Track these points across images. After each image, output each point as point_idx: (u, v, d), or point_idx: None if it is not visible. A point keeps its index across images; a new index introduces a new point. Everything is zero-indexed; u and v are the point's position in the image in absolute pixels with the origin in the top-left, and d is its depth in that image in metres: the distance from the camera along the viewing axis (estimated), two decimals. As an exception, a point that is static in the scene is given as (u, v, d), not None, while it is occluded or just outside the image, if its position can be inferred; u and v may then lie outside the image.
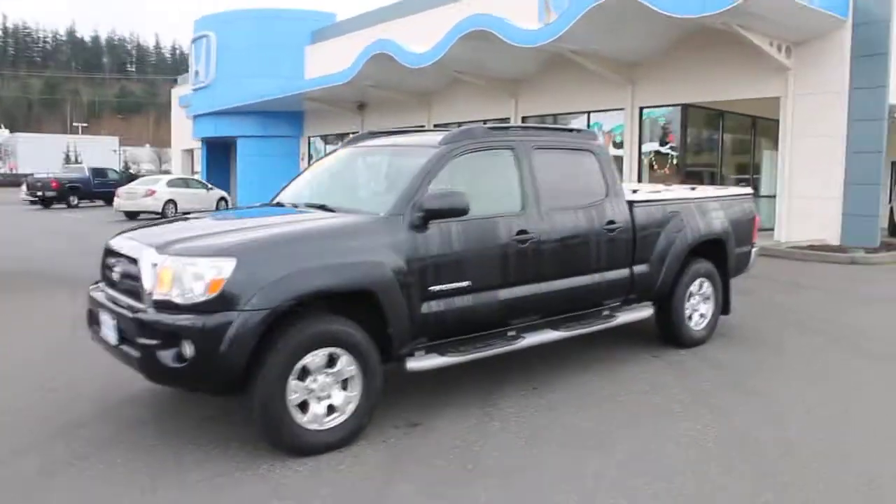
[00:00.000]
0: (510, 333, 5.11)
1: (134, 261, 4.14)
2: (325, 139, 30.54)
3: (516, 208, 5.11)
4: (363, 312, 4.24)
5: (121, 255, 4.34)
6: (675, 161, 17.83)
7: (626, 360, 6.12)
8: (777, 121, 17.09)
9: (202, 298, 3.80)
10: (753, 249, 7.28)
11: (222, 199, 27.04)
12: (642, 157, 18.35)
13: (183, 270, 3.84)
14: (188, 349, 3.77)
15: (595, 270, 5.57)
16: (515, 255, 4.99)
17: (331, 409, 4.15)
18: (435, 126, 23.76)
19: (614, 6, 13.99)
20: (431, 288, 4.52)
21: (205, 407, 4.85)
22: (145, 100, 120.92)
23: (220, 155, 35.30)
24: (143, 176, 36.62)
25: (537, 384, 5.45)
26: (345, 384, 4.18)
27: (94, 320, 4.56)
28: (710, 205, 6.67)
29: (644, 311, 6.13)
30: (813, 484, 3.83)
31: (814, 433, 4.57)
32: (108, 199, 33.12)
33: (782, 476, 3.92)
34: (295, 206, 5.24)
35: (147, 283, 3.96)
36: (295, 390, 3.98)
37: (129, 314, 4.01)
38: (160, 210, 23.90)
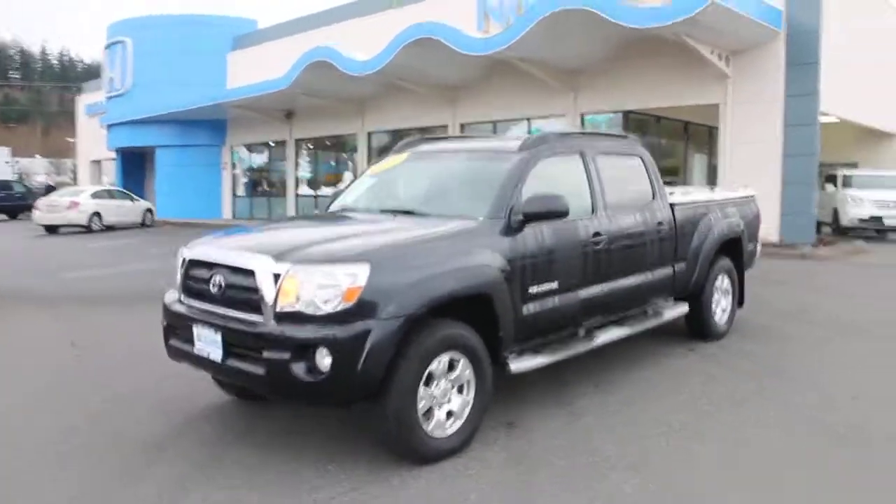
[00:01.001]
0: (581, 333, 5.21)
1: (244, 271, 3.96)
2: (251, 148, 29.84)
3: (588, 211, 5.24)
4: (475, 317, 4.24)
5: (219, 266, 4.11)
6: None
7: (668, 354, 6.33)
8: (706, 126, 17.98)
9: (339, 308, 3.67)
10: (758, 246, 7.68)
11: (148, 210, 25.95)
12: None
13: (314, 279, 3.72)
14: (325, 361, 3.65)
15: (648, 269, 5.77)
16: (592, 255, 5.10)
17: (448, 414, 4.12)
18: (369, 133, 23.72)
19: (571, 16, 14.36)
20: (530, 290, 4.57)
21: (278, 420, 4.72)
22: (32, 108, 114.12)
23: (134, 165, 33.90)
24: (60, 187, 34.58)
25: (597, 381, 5.56)
26: (460, 389, 4.16)
27: (179, 336, 4.36)
28: (730, 206, 7.02)
29: (682, 308, 6.37)
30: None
31: (870, 415, 4.89)
32: (11, 213, 31.29)
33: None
34: (378, 212, 5.13)
35: (268, 293, 3.79)
36: (423, 397, 3.92)
37: (247, 328, 3.84)
38: (86, 223, 22.67)
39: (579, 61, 17.66)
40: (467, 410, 4.17)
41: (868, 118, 20.01)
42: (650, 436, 4.46)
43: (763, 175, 15.68)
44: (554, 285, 4.76)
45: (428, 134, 20.74)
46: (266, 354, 3.73)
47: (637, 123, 18.45)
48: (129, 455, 4.16)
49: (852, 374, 5.86)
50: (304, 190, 26.35)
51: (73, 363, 6.31)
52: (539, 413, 4.85)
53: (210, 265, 4.18)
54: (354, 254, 3.85)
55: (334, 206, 5.54)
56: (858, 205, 17.62)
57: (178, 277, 4.45)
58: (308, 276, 3.74)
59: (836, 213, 18.31)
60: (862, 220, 17.62)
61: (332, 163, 25.75)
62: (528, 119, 19.67)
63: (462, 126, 21.01)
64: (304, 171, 26.32)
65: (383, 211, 5.06)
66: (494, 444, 4.32)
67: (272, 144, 28.18)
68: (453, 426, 4.11)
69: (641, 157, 6.07)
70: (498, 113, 19.98)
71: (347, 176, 24.45)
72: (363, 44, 19.33)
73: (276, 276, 3.79)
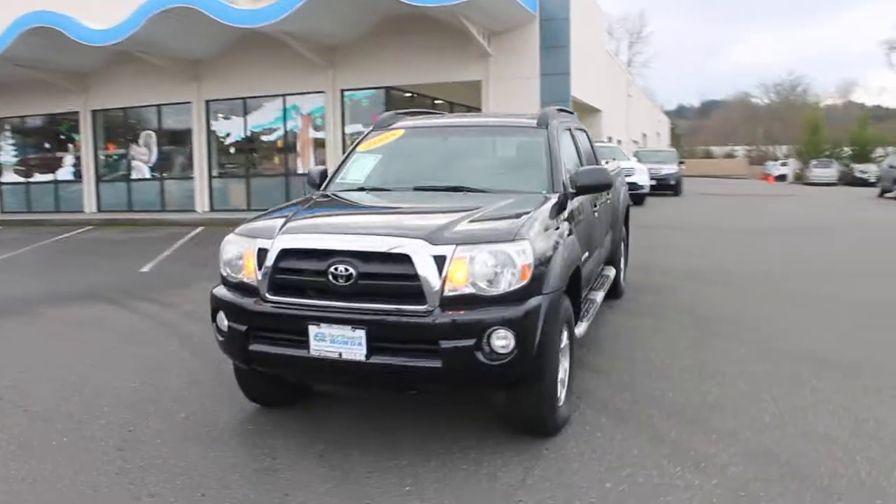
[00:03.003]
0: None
1: (391, 256, 3.44)
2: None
3: None
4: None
5: (345, 254, 3.46)
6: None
7: (600, 314, 6.63)
8: (466, 106, 18.96)
9: (515, 286, 3.42)
10: None
11: None
12: (346, 138, 18.71)
13: (487, 259, 3.42)
14: (509, 343, 3.35)
15: (610, 232, 6.11)
16: (596, 222, 5.29)
17: (560, 383, 3.99)
18: (95, 112, 20.87)
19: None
20: (582, 257, 4.59)
21: (342, 415, 4.17)
22: None
23: None
24: None
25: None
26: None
27: (271, 339, 3.63)
28: (621, 174, 7.63)
29: (612, 271, 6.77)
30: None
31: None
32: None
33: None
34: (412, 189, 4.74)
35: (432, 278, 3.36)
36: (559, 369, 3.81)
37: (407, 319, 3.37)
38: None
39: (337, 37, 17.27)
40: (565, 378, 4.08)
41: (586, 96, 22.64)
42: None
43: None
44: (586, 253, 4.84)
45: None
46: (445, 344, 3.31)
47: (402, 100, 18.76)
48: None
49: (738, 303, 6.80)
50: (10, 177, 22.21)
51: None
52: (604, 382, 4.84)
53: (327, 254, 3.52)
54: (514, 231, 3.57)
55: (338, 187, 4.95)
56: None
57: (260, 272, 3.66)
58: (480, 256, 3.41)
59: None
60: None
61: (47, 145, 22.03)
62: (284, 96, 18.91)
63: (208, 103, 19.50)
64: (8, 156, 22.26)
65: (419, 188, 4.71)
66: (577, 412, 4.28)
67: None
68: (562, 394, 4.00)
69: (586, 131, 6.37)
70: (250, 89, 18.83)
71: (69, 160, 21.25)
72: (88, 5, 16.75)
73: (439, 259, 3.36)
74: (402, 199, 4.61)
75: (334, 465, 3.57)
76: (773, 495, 3.23)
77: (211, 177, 19.84)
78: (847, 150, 47.80)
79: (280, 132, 19.19)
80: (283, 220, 3.89)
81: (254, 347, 3.63)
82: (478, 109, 23.04)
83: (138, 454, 3.74)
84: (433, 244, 3.40)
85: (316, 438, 3.90)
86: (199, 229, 15.36)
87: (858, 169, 41.42)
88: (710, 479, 3.39)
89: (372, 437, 3.90)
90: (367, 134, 5.33)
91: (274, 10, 14.98)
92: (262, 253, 3.65)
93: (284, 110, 19.09)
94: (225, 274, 3.88)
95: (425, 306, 3.36)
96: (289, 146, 19.24)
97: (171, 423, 4.18)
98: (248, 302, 3.65)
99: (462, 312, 3.36)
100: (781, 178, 46.26)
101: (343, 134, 18.58)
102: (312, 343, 3.45)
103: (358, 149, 5.21)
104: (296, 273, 3.59)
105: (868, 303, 7.24)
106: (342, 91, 18.41)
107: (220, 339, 3.84)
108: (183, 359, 5.47)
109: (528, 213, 3.88)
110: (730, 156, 71.19)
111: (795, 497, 3.21)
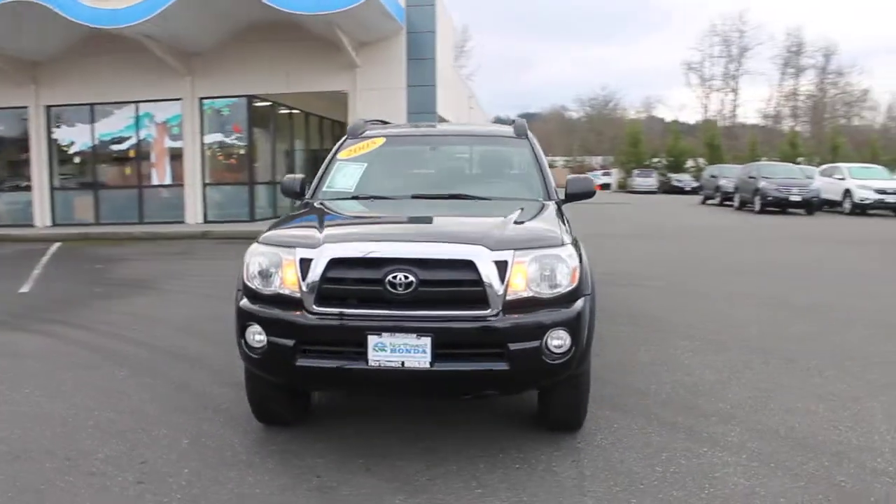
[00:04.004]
0: None
1: (454, 263, 3.47)
2: None
3: None
4: None
5: (403, 262, 3.42)
6: (242, 151, 18.08)
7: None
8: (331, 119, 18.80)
9: (568, 288, 3.58)
10: None
11: None
12: (205, 148, 17.97)
13: (544, 263, 3.56)
14: (566, 342, 3.49)
15: None
16: None
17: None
18: None
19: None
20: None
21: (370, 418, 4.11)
22: None
23: None
24: None
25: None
26: None
27: (320, 353, 3.51)
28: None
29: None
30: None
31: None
32: None
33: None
34: (409, 197, 4.74)
35: (496, 283, 3.43)
36: None
37: (473, 324, 3.42)
38: None
39: (202, 41, 16.66)
40: None
41: (442, 107, 23.12)
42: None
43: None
44: None
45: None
46: (514, 346, 3.39)
47: (264, 113, 18.30)
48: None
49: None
50: None
51: None
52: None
53: (382, 262, 3.46)
54: (560, 237, 3.74)
55: (327, 195, 4.81)
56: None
57: (304, 283, 3.51)
58: (537, 261, 3.54)
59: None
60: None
61: None
62: (137, 103, 17.81)
63: (48, 108, 17.97)
64: None
65: (417, 196, 4.73)
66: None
67: None
68: None
69: None
70: (97, 95, 17.60)
71: None
72: None
73: (500, 265, 3.44)
74: (411, 208, 4.59)
75: (389, 477, 3.52)
76: (799, 464, 3.62)
77: (53, 188, 18.27)
78: (663, 161, 52.16)
79: (132, 141, 18.07)
80: (313, 229, 3.78)
81: (302, 363, 3.48)
82: (340, 122, 23.08)
83: (167, 487, 3.47)
84: (493, 250, 3.47)
85: (350, 453, 3.80)
86: (56, 245, 14.10)
87: (675, 178, 45.54)
88: (738, 455, 3.73)
89: (408, 447, 3.88)
90: (344, 142, 5.24)
91: (137, 10, 14.18)
92: (304, 263, 3.53)
93: (137, 118, 18.01)
94: (254, 287, 3.67)
95: (489, 311, 3.42)
96: (142, 156, 18.14)
97: (180, 450, 3.89)
98: (293, 315, 3.51)
99: (524, 315, 3.46)
100: (605, 186, 49.63)
101: (202, 144, 17.81)
102: (371, 353, 3.39)
103: (339, 157, 5.10)
104: (347, 283, 3.50)
105: (767, 297, 8.10)
106: (201, 99, 17.67)
107: (255, 356, 3.61)
108: (143, 383, 5.07)
109: (550, 219, 4.06)
110: (552, 166, 75.04)
111: (819, 463, 3.62)
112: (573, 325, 3.54)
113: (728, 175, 27.60)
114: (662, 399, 4.63)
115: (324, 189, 4.90)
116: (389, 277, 3.39)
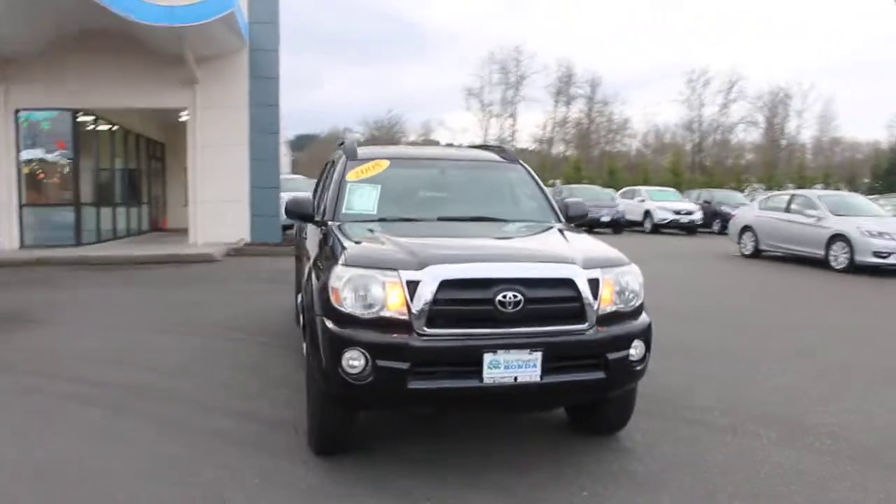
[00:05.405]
0: None
1: (556, 281, 3.76)
2: None
3: None
4: None
5: (509, 282, 3.63)
6: (67, 170, 16.54)
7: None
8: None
9: (639, 302, 4.04)
10: None
11: None
12: (22, 165, 16.19)
13: (625, 280, 3.96)
14: (642, 350, 3.91)
15: None
16: None
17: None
18: None
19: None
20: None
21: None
22: None
23: None
24: None
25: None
26: None
27: (433, 375, 3.59)
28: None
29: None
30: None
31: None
32: None
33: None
34: (435, 219, 4.91)
35: (591, 299, 3.74)
36: None
37: (576, 338, 3.71)
38: None
39: (20, 46, 14.93)
40: None
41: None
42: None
43: (234, 179, 16.67)
44: None
45: None
46: (611, 356, 3.73)
47: (89, 129, 16.89)
48: None
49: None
50: None
51: None
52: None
53: (491, 282, 3.61)
54: (623, 256, 4.12)
55: (349, 217, 4.79)
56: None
57: (414, 305, 3.55)
58: (619, 277, 3.93)
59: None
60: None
61: None
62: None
63: None
64: None
65: (443, 218, 4.92)
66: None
67: None
68: None
69: None
70: None
71: None
72: None
73: (593, 282, 3.77)
74: (453, 229, 4.74)
75: (494, 490, 3.68)
76: (812, 441, 4.38)
77: None
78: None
79: (-72, 156, 15.82)
80: (401, 250, 3.85)
81: (414, 385, 3.54)
82: (158, 141, 21.85)
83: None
84: (585, 268, 3.81)
85: (437, 474, 3.89)
86: None
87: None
88: (759, 440, 4.41)
89: (480, 458, 4.08)
90: (346, 164, 5.21)
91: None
92: (411, 285, 3.61)
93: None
94: (348, 310, 3.62)
95: (586, 324, 3.74)
96: (-59, 173, 15.95)
97: (253, 489, 3.74)
98: (403, 337, 3.57)
99: (613, 328, 3.83)
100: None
101: (18, 161, 16.03)
102: (486, 371, 3.55)
103: (347, 178, 5.07)
104: (458, 303, 3.62)
105: (707, 309, 9.11)
106: (17, 111, 15.92)
107: (356, 381, 3.56)
108: (137, 426, 4.68)
109: (592, 240, 4.47)
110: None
111: (827, 437, 4.37)
112: (647, 335, 3.99)
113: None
114: (657, 398, 5.14)
115: (343, 211, 4.88)
116: (499, 297, 3.59)
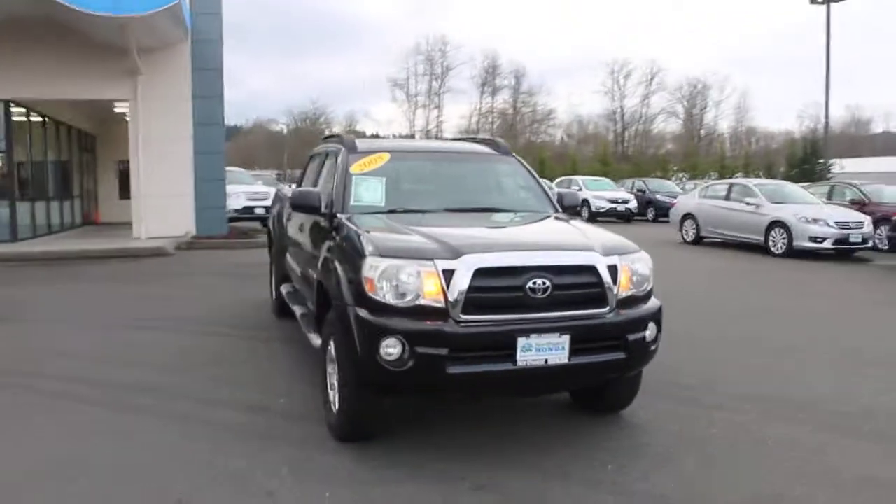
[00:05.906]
0: None
1: (581, 268, 4.00)
2: None
3: None
4: None
5: (538, 269, 3.83)
6: (0, 163, 15.85)
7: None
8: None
9: (650, 288, 4.34)
10: None
11: None
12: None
13: (638, 267, 4.23)
14: (655, 332, 4.18)
15: None
16: None
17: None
18: None
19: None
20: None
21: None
22: None
23: None
24: None
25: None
26: None
27: (472, 359, 3.74)
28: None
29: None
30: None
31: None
32: None
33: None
34: (443, 211, 5.05)
35: (612, 284, 4.01)
36: None
37: (599, 321, 3.95)
38: None
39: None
40: None
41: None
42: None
43: (179, 171, 16.32)
44: None
45: None
46: (631, 337, 3.99)
47: (22, 120, 16.20)
48: None
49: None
50: None
51: None
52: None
53: (523, 270, 3.80)
54: (634, 244, 4.37)
55: (358, 209, 4.84)
56: (236, 199, 19.51)
57: (451, 293, 3.69)
58: (635, 264, 4.20)
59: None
60: (237, 211, 19.61)
61: None
62: None
63: None
64: None
65: (451, 209, 5.05)
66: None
67: None
68: None
69: None
70: None
71: None
72: None
73: (612, 269, 4.01)
74: (467, 220, 4.89)
75: (548, 468, 3.87)
76: (795, 413, 4.74)
77: None
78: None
79: None
80: (432, 241, 3.98)
81: (453, 370, 3.69)
82: (88, 133, 21.12)
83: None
84: (604, 255, 4.05)
85: (466, 456, 4.04)
86: None
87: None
88: (748, 415, 4.75)
89: (496, 444, 4.26)
90: (348, 157, 5.25)
91: None
92: (447, 274, 3.74)
93: None
94: (383, 299, 3.75)
95: (607, 308, 3.99)
96: None
97: (287, 480, 3.80)
98: (440, 325, 3.71)
99: (631, 311, 4.10)
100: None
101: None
102: (519, 354, 3.74)
103: (351, 171, 5.12)
104: (491, 291, 3.79)
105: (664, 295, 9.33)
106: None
107: (395, 368, 3.68)
108: (156, 424, 4.66)
109: (598, 229, 4.69)
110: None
111: (820, 410, 4.75)
112: (658, 317, 4.28)
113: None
114: (651, 381, 5.37)
115: (352, 203, 4.93)
116: (530, 284, 3.78)
